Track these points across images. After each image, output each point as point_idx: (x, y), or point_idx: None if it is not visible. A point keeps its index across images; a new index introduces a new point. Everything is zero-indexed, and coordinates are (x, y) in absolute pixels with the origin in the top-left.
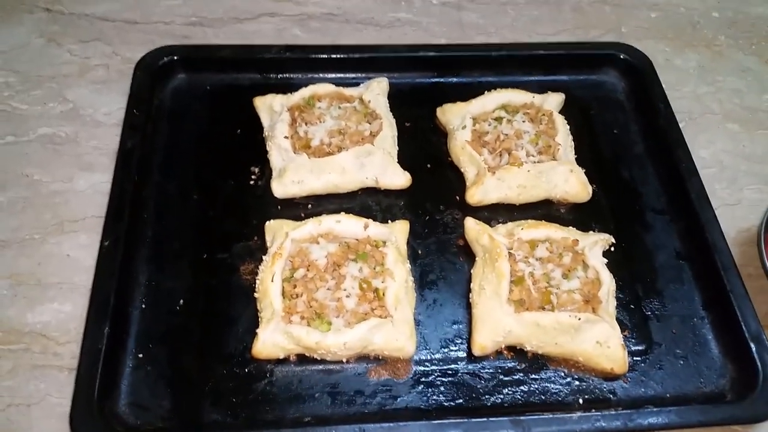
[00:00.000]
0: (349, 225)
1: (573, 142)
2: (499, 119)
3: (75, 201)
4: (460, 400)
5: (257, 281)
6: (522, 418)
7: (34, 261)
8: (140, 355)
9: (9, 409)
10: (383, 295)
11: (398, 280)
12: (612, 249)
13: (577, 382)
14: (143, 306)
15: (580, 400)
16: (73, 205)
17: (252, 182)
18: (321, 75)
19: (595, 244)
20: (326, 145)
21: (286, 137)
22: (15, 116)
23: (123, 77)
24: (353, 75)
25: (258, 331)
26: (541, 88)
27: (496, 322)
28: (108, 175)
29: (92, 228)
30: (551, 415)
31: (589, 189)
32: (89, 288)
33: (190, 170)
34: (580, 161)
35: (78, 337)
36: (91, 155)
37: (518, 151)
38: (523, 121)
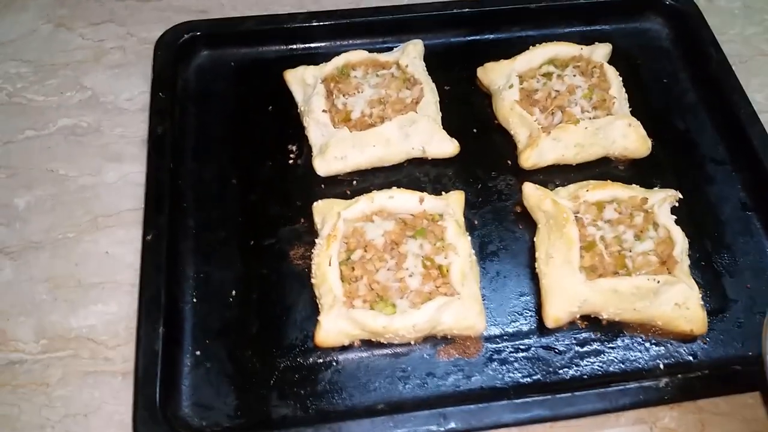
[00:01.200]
0: (403, 200)
1: (626, 95)
2: (548, 75)
3: (106, 195)
4: (537, 376)
5: (313, 266)
6: (608, 390)
7: (71, 261)
8: (197, 353)
9: (66, 420)
10: (447, 271)
11: (462, 255)
12: (676, 204)
13: (655, 347)
14: (194, 300)
15: (661, 366)
16: (104, 199)
17: (291, 161)
18: (349, 42)
19: (664, 201)
20: (367, 117)
21: (324, 111)
22: (31, 109)
23: (141, 59)
24: (382, 39)
25: (320, 318)
26: (583, 39)
27: (569, 291)
28: (138, 164)
29: (129, 222)
30: (637, 384)
31: (649, 143)
32: (133, 285)
33: (224, 153)
34: (633, 115)
35: (128, 338)
36: (117, 144)
37: (572, 107)
38: (574, 76)
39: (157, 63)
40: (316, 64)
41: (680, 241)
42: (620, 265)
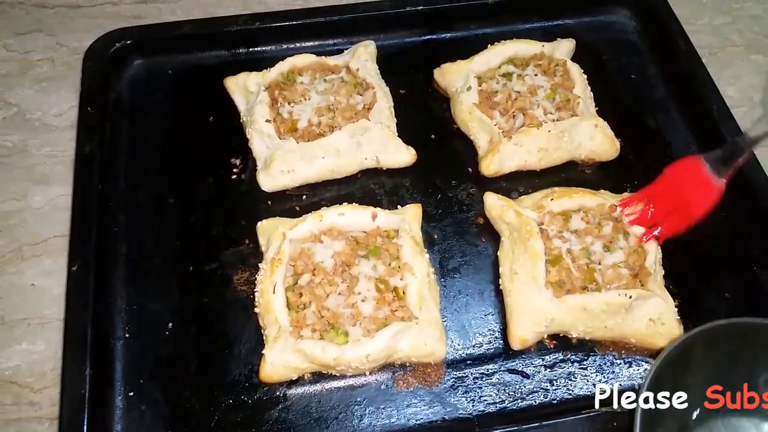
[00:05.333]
0: (354, 217)
1: (591, 93)
2: (507, 75)
3: (33, 221)
4: (505, 403)
5: (256, 294)
6: (579, 418)
7: None
8: (131, 394)
9: None
10: (404, 294)
11: (419, 275)
12: None
13: (630, 368)
14: (126, 335)
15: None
16: (31, 226)
17: (234, 177)
18: (297, 45)
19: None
20: (315, 126)
21: (267, 121)
22: None
23: (72, 71)
24: (333, 41)
25: (264, 351)
26: (544, 35)
27: (536, 310)
28: (67, 187)
29: (57, 250)
30: (609, 410)
31: (617, 144)
32: (62, 320)
33: (161, 171)
34: (599, 114)
35: (56, 380)
36: (45, 165)
37: (534, 109)
38: (536, 75)
39: (86, 75)
40: (262, 69)
41: (653, 250)
42: (589, 279)
